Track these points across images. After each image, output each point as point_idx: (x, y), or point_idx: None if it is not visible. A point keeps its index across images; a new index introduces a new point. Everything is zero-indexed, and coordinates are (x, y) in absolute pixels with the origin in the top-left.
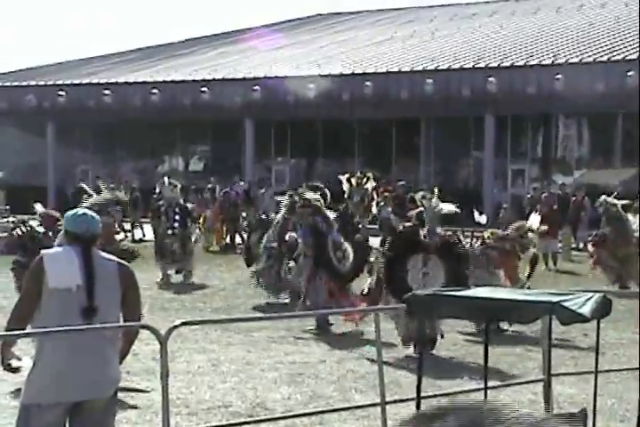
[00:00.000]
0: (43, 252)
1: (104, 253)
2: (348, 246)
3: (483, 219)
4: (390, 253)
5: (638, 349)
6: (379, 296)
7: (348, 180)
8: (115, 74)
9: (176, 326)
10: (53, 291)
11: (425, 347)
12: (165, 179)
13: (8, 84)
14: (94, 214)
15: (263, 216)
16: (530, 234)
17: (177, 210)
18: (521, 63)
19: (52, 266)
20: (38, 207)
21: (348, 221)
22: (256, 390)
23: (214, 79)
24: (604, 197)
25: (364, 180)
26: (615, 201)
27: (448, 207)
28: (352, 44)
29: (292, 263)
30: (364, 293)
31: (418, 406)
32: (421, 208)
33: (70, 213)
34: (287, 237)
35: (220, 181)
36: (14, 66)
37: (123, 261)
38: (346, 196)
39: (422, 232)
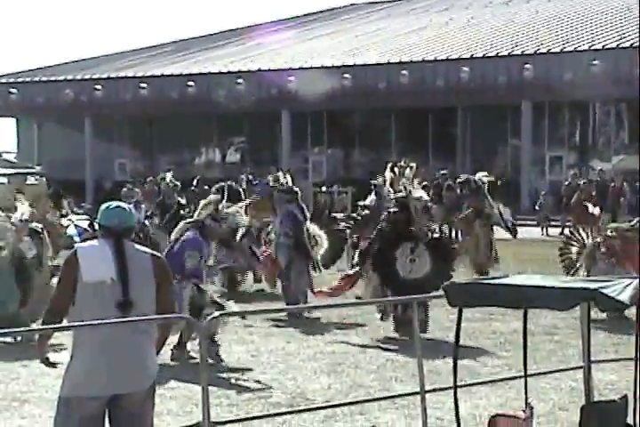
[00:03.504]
0: (76, 246)
1: (138, 246)
2: (322, 235)
3: (596, 210)
4: (381, 240)
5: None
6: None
7: (392, 169)
8: (151, 67)
9: (215, 318)
10: (88, 285)
11: (424, 331)
12: (168, 174)
13: (45, 78)
14: (127, 207)
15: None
16: None
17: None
18: (557, 49)
19: (86, 260)
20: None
21: (324, 211)
22: (296, 381)
23: (250, 70)
24: (479, 174)
25: (407, 169)
26: (485, 179)
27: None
28: (387, 33)
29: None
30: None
31: (455, 395)
32: (401, 194)
33: (103, 206)
34: None
35: (254, 171)
36: (51, 60)
37: (156, 253)
38: (388, 184)
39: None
